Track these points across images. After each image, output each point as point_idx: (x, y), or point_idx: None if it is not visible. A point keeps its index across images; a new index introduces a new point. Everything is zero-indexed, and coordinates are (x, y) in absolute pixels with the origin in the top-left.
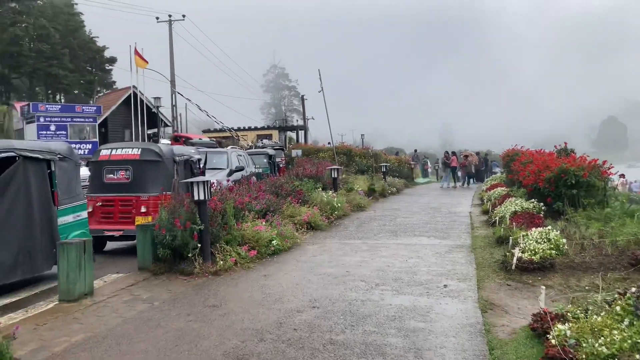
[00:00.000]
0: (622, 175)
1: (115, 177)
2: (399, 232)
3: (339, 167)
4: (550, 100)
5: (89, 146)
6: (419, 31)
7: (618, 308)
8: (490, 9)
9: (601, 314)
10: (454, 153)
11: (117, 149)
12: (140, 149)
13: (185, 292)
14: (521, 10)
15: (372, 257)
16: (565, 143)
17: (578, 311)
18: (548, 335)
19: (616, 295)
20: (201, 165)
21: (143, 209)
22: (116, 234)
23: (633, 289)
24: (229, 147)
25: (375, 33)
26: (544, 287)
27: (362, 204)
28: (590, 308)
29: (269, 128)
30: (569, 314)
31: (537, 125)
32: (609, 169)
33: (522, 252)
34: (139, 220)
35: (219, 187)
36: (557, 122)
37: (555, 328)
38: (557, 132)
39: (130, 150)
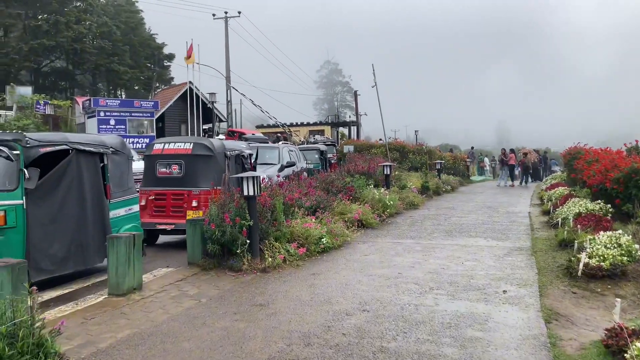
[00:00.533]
0: None
1: (167, 171)
2: (454, 232)
3: (392, 163)
4: (615, 96)
5: (147, 140)
6: (478, 26)
7: None
8: (555, 2)
9: None
10: (512, 150)
11: (169, 143)
12: (192, 144)
13: (233, 289)
14: (588, 2)
15: (425, 258)
16: (637, 141)
17: None
18: (625, 354)
19: None
20: (252, 161)
21: (194, 204)
22: (168, 227)
23: None
24: (280, 143)
25: (433, 29)
26: (619, 300)
27: (415, 202)
28: None
29: (321, 124)
30: None
31: (600, 122)
32: None
33: (590, 258)
34: (190, 214)
35: (269, 182)
36: (622, 119)
37: (634, 346)
38: (621, 131)
39: (182, 145)
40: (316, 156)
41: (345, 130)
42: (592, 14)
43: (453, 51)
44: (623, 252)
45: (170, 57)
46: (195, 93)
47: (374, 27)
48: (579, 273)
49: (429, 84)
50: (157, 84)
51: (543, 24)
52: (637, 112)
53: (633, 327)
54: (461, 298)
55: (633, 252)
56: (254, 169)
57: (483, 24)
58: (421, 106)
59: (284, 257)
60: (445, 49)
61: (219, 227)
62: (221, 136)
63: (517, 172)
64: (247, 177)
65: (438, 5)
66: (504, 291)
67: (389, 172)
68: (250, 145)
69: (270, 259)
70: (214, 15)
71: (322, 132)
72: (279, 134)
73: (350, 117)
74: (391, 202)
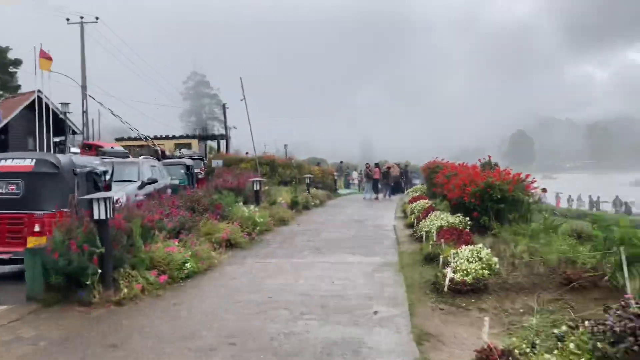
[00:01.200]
0: (544, 190)
1: (3, 191)
2: (323, 249)
3: (262, 178)
4: (467, 114)
5: None
6: (346, 43)
7: (572, 345)
8: (417, 28)
9: (554, 352)
10: (377, 165)
11: (6, 159)
12: (34, 160)
13: (81, 327)
14: (444, 35)
15: (296, 278)
16: (490, 156)
17: (524, 345)
18: None
19: (564, 328)
20: (108, 178)
21: (37, 229)
22: (5, 257)
23: (587, 323)
24: (141, 157)
25: (302, 45)
26: (487, 319)
27: (286, 218)
28: (538, 342)
29: (188, 137)
30: (516, 350)
31: (454, 138)
32: (532, 182)
33: (454, 272)
34: (32, 241)
35: (126, 202)
36: (472, 135)
37: None
38: (472, 145)
39: (22, 161)
40: (182, 171)
41: (214, 144)
42: (450, 39)
43: (322, 67)
44: (484, 265)
45: (17, 62)
46: (45, 102)
47: (244, 39)
48: (445, 288)
49: (299, 99)
50: (1, 92)
51: (408, 46)
52: (485, 129)
53: (502, 348)
54: (333, 322)
55: (493, 265)
56: (108, 187)
57: (353, 45)
58: (291, 120)
59: (142, 287)
60: (315, 65)
61: (63, 255)
62: (75, 150)
63: (380, 185)
64: (98, 198)
65: (310, 23)
66: (375, 312)
67: (258, 188)
68: (105, 160)
69: (126, 290)
70: (67, 19)
71: (189, 146)
72: (156, 148)
73: (218, 130)
74: (261, 219)
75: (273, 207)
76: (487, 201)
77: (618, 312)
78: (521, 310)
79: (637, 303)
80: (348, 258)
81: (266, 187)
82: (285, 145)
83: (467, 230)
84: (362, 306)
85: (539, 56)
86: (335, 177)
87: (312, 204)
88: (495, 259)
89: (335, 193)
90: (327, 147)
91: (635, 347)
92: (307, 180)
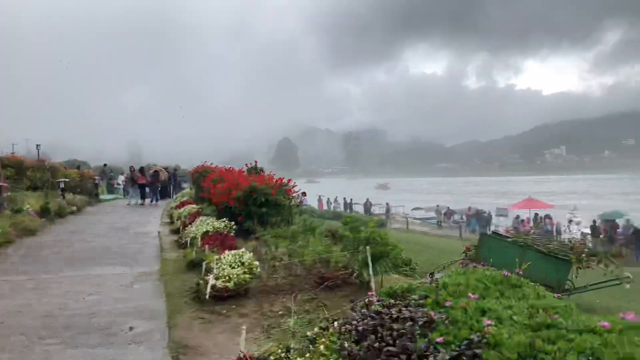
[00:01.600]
0: (304, 194)
1: None
2: (76, 262)
3: (4, 183)
4: (239, 121)
5: None
6: (115, 44)
7: (322, 347)
8: (191, 34)
9: (306, 355)
10: (142, 168)
11: None
12: None
13: None
14: (216, 43)
15: (39, 297)
16: (256, 161)
17: (279, 350)
18: None
19: (316, 329)
20: None
21: None
22: None
23: (336, 324)
24: None
25: (65, 42)
26: (244, 327)
27: (33, 228)
28: (293, 345)
29: None
30: (271, 356)
31: (226, 143)
32: (294, 187)
33: (217, 279)
34: None
35: None
36: (243, 141)
37: None
38: (242, 150)
39: None
40: None
41: None
42: (223, 48)
43: (86, 67)
44: (246, 270)
45: None
46: None
47: None
48: (207, 296)
49: (57, 97)
50: None
51: (182, 52)
52: (255, 135)
53: (257, 356)
54: (80, 345)
55: (254, 269)
56: None
57: (123, 46)
58: (48, 119)
59: None
60: (79, 64)
61: None
62: None
63: (147, 190)
64: None
65: (76, 21)
66: (131, 328)
67: None
68: None
69: None
70: None
71: None
72: None
73: None
74: None
75: (18, 216)
76: (251, 205)
77: (362, 310)
78: (280, 313)
79: (378, 300)
80: (105, 270)
81: (10, 193)
82: (37, 145)
83: (232, 235)
84: (116, 323)
85: (303, 70)
86: (97, 182)
87: (68, 211)
88: (257, 263)
89: (96, 199)
90: (91, 149)
91: (377, 344)
92: (62, 185)
